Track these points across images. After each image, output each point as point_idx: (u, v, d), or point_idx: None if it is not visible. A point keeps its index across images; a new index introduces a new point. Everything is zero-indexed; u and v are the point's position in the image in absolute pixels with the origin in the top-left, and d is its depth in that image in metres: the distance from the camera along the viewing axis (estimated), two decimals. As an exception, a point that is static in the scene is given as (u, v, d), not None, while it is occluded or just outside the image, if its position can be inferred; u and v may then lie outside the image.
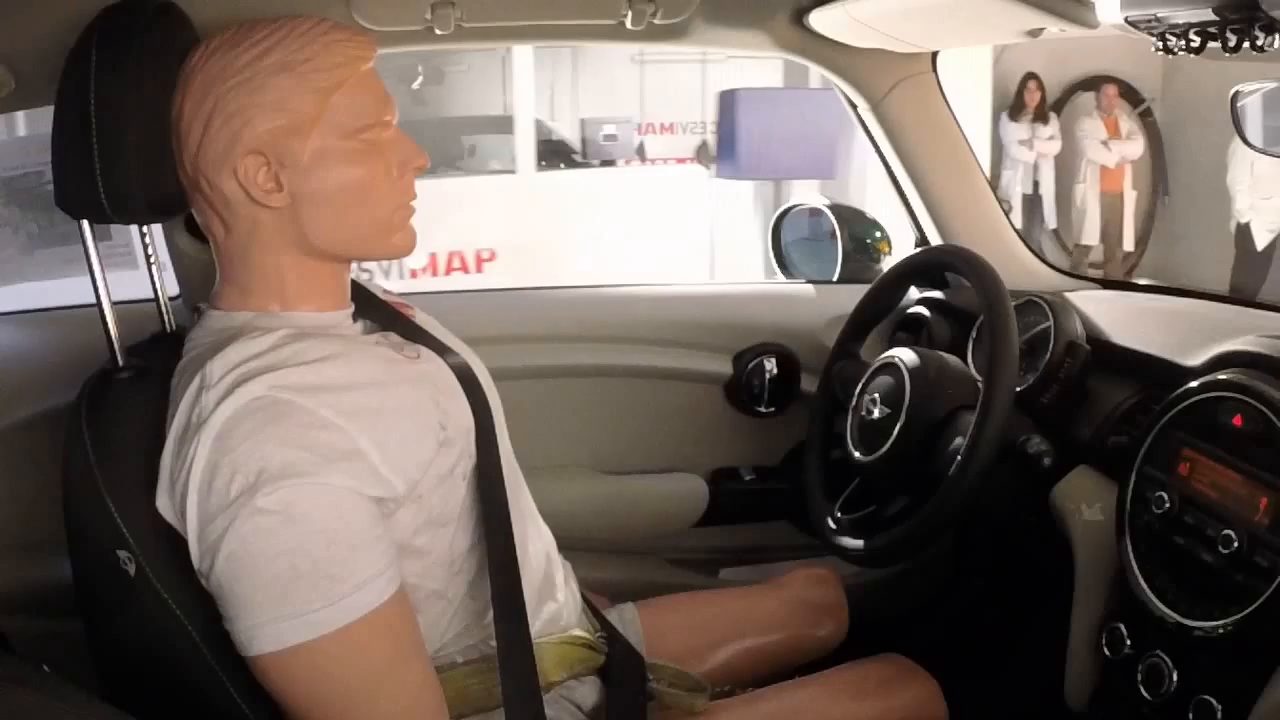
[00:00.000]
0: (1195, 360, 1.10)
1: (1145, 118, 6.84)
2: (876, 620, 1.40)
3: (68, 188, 0.92)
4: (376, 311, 1.02)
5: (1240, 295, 5.05)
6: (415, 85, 7.07)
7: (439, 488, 0.90)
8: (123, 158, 0.89)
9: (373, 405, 0.85)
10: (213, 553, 0.80)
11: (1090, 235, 6.51)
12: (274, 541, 0.78)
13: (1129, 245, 6.61)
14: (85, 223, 0.96)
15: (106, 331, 0.96)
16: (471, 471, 0.93)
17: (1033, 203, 6.58)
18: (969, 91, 5.70)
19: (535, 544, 1.05)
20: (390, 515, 0.86)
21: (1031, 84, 6.40)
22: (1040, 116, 6.45)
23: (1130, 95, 6.74)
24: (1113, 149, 6.44)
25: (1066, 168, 6.58)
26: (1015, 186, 6.58)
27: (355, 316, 0.98)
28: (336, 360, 0.87)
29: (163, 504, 0.84)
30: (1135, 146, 6.54)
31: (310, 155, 0.88)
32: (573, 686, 1.05)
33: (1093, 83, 6.58)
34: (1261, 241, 5.92)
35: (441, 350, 0.99)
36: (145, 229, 1.07)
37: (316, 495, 0.79)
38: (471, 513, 0.94)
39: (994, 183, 6.76)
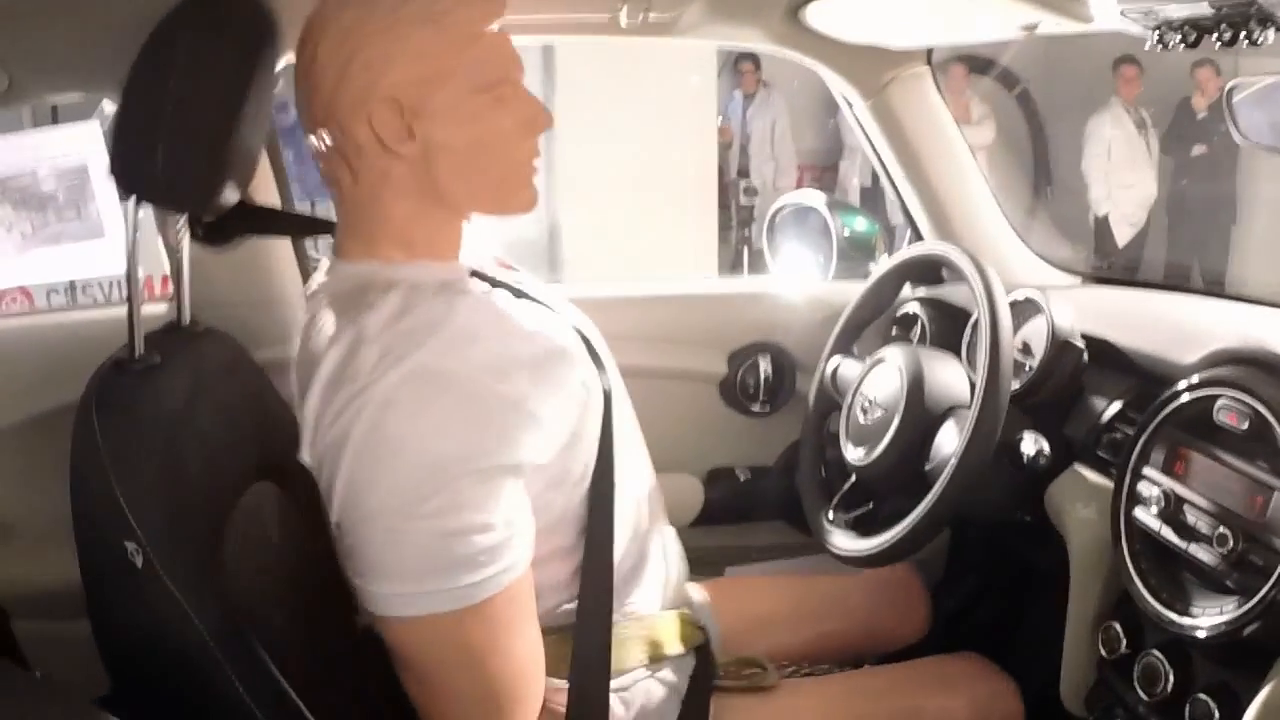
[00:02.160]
0: (1190, 358, 1.09)
1: (1023, 102, 6.49)
2: None
3: (124, 163, 0.92)
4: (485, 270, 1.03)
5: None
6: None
7: (578, 445, 0.91)
8: (191, 142, 0.89)
9: (530, 370, 0.87)
10: (369, 514, 0.82)
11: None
12: (440, 524, 0.81)
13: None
14: (131, 203, 0.95)
15: (131, 320, 0.95)
16: (597, 437, 0.94)
17: (872, 196, 5.90)
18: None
19: (644, 506, 1.06)
20: (533, 478, 0.87)
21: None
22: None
23: (1003, 77, 6.39)
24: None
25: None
26: (852, 179, 6.26)
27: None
28: (489, 322, 0.89)
29: (306, 452, 0.87)
30: (985, 132, 5.97)
31: (444, 106, 0.89)
32: (681, 659, 1.06)
33: (944, 65, 6.02)
34: (1123, 238, 5.60)
35: (559, 310, 1.00)
36: (179, 221, 1.06)
37: (480, 483, 0.82)
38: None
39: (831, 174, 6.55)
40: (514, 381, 0.85)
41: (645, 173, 5.18)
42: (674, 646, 1.05)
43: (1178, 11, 0.98)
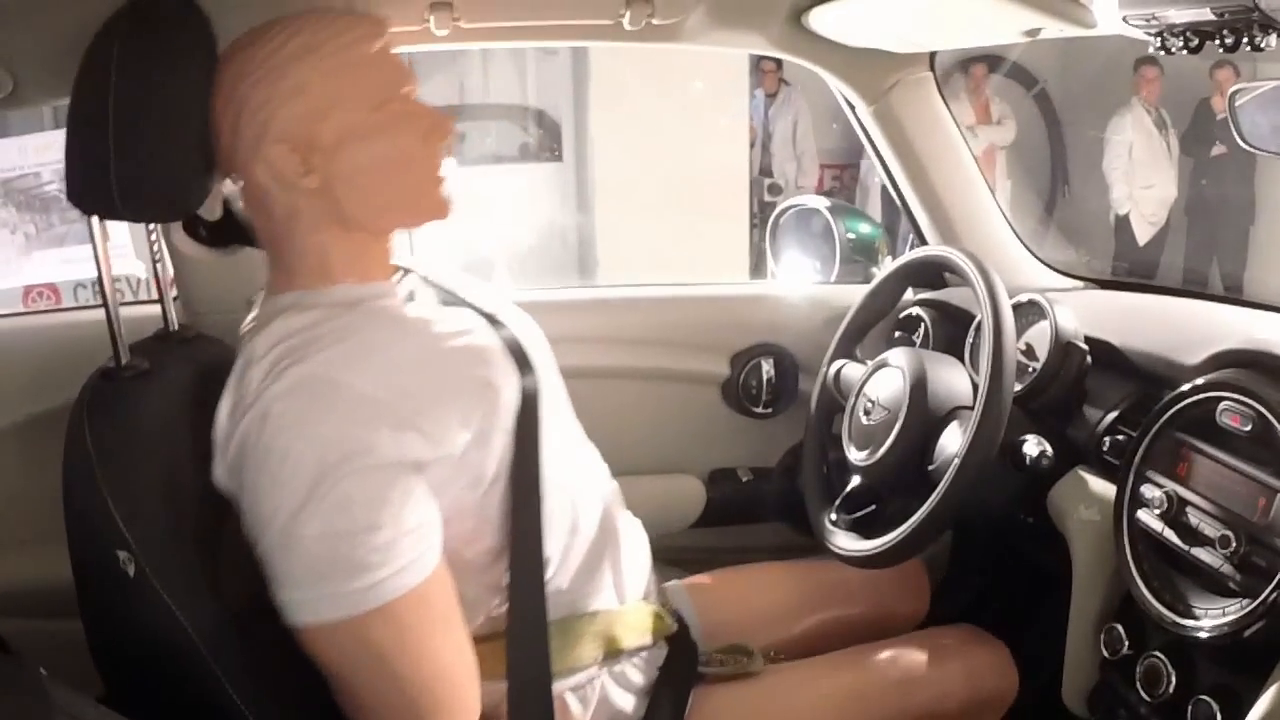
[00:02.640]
0: (1193, 360, 1.10)
1: (1041, 102, 6.47)
2: None
3: (81, 183, 0.92)
4: (424, 276, 1.04)
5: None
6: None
7: (486, 445, 0.92)
8: (139, 154, 0.89)
9: (417, 371, 0.89)
10: (263, 526, 0.83)
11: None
12: (323, 527, 0.81)
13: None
14: (95, 219, 0.96)
15: (112, 329, 0.96)
16: (514, 433, 0.95)
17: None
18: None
19: (590, 503, 1.06)
20: (440, 479, 0.88)
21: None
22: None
23: (1022, 77, 6.37)
24: (980, 135, 5.95)
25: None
26: (873, 177, 6.14)
27: (404, 286, 1.00)
28: (379, 330, 0.90)
29: (219, 474, 0.88)
30: (1005, 132, 6.08)
31: (336, 134, 0.90)
32: (643, 651, 1.07)
33: (965, 64, 6.08)
34: (1143, 236, 5.62)
35: (488, 318, 1.01)
36: (152, 228, 1.07)
37: (368, 483, 0.83)
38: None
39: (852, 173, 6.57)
40: (400, 384, 0.86)
41: (678, 174, 5.18)
42: (635, 639, 1.05)
43: (1179, 17, 0.98)
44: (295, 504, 0.81)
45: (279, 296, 0.95)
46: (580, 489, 1.04)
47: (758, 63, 6.48)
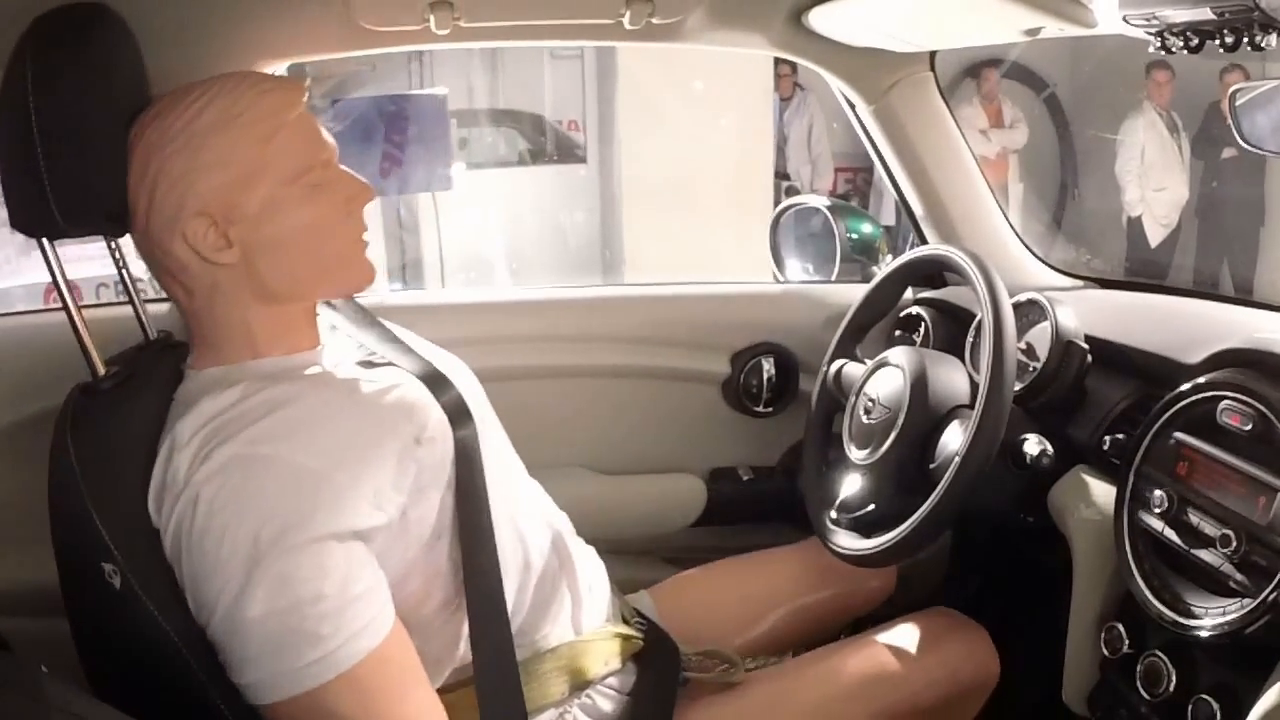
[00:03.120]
0: (1193, 360, 1.10)
1: (1050, 105, 6.50)
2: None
3: (18, 207, 0.91)
4: (348, 330, 1.03)
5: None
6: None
7: (423, 501, 0.90)
8: (72, 169, 0.87)
9: (346, 439, 0.86)
10: (209, 609, 0.82)
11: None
12: (267, 606, 0.80)
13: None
14: (46, 241, 0.94)
15: (82, 345, 0.95)
16: (450, 487, 0.93)
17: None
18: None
19: (540, 538, 1.05)
20: (383, 543, 0.86)
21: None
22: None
23: (1031, 81, 6.41)
24: (993, 138, 6.04)
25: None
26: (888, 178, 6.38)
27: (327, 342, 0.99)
28: (303, 401, 0.88)
29: (166, 548, 0.86)
30: (1018, 135, 6.15)
31: (258, 205, 0.89)
32: (613, 676, 1.06)
33: (978, 69, 6.15)
34: (1155, 238, 5.66)
35: (410, 363, 1.00)
36: (112, 239, 1.06)
37: (307, 557, 0.81)
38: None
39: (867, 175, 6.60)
40: (330, 451, 0.84)
41: (704, 174, 5.18)
42: (601, 667, 1.04)
43: (1179, 16, 0.98)
44: (236, 586, 0.80)
45: (204, 372, 0.93)
46: (528, 527, 1.03)
47: (776, 66, 6.52)
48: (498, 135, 6.03)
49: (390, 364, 1.00)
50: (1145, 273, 5.62)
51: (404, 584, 0.89)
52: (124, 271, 1.08)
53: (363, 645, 0.82)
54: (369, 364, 1.00)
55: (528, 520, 1.04)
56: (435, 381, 0.97)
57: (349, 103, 4.43)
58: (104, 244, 1.05)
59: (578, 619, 1.05)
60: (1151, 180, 5.62)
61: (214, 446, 0.83)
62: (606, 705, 1.05)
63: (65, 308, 0.96)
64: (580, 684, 1.02)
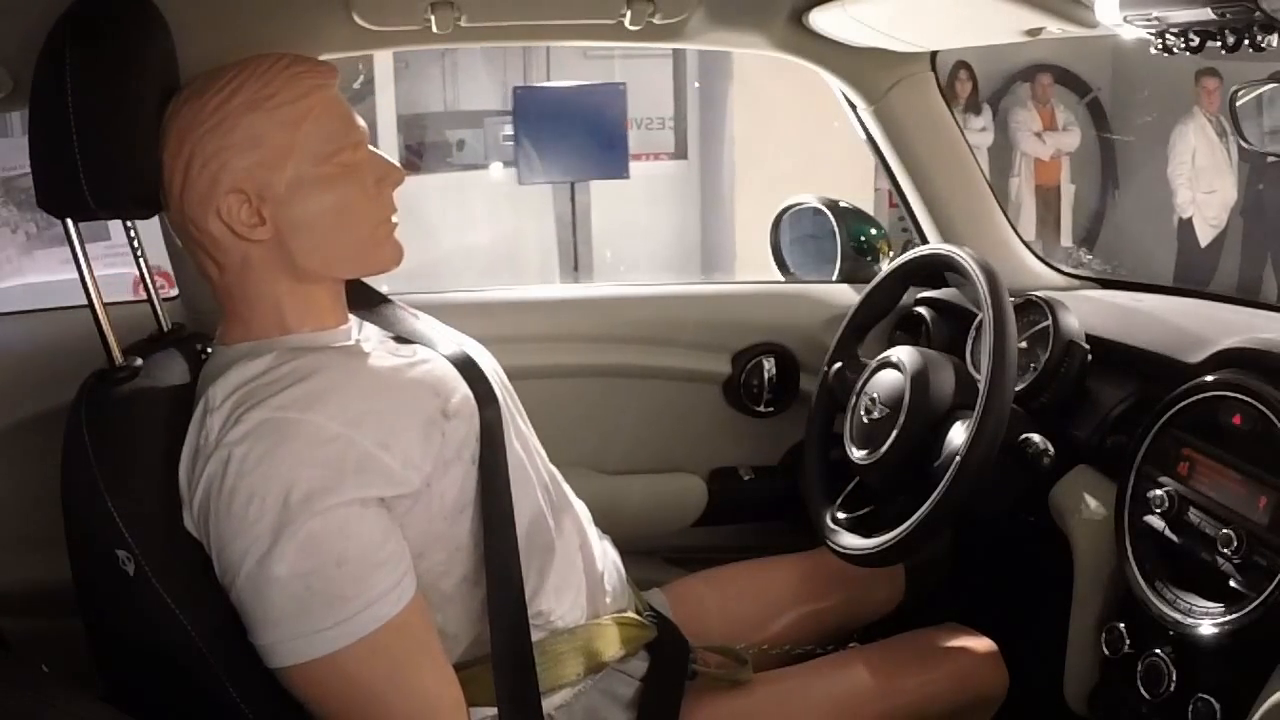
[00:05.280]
0: (1194, 359, 1.10)
1: (1093, 109, 6.56)
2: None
3: (49, 186, 0.92)
4: (376, 315, 1.05)
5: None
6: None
7: (447, 474, 0.92)
8: (104, 151, 0.89)
9: (374, 406, 0.88)
10: (234, 571, 0.83)
11: (1025, 230, 6.37)
12: (292, 567, 0.81)
13: (1066, 240, 6.35)
14: (70, 222, 0.96)
15: (101, 332, 0.96)
16: (477, 462, 0.94)
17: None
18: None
19: (560, 521, 1.06)
20: (406, 512, 0.88)
21: (962, 74, 6.09)
22: (972, 107, 6.13)
23: (1075, 85, 6.45)
24: (1047, 141, 6.13)
25: (1001, 161, 6.31)
26: None
27: (355, 323, 1.01)
28: (332, 370, 0.89)
29: (187, 520, 0.87)
30: (1071, 138, 6.21)
31: (287, 185, 0.91)
32: (627, 662, 1.07)
33: (1030, 73, 6.25)
34: (1205, 238, 5.80)
35: (438, 344, 1.01)
36: (132, 227, 1.07)
37: (333, 521, 0.82)
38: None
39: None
40: (359, 419, 0.86)
41: (812, 179, 5.24)
42: (616, 651, 1.05)
43: (1180, 17, 0.98)
44: (263, 546, 0.81)
45: (234, 347, 0.95)
46: (548, 510, 1.04)
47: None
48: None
49: (419, 344, 1.01)
50: (1195, 267, 5.76)
51: (425, 556, 0.90)
52: (141, 260, 1.09)
53: (383, 612, 0.83)
54: (400, 340, 1.02)
55: (548, 504, 1.05)
56: (463, 363, 0.99)
57: (529, 91, 4.49)
58: (103, 245, 1.05)
59: (594, 602, 1.06)
60: (1202, 183, 5.76)
61: (245, 410, 0.85)
62: (621, 689, 1.06)
63: (85, 291, 0.98)
64: (595, 666, 1.03)
